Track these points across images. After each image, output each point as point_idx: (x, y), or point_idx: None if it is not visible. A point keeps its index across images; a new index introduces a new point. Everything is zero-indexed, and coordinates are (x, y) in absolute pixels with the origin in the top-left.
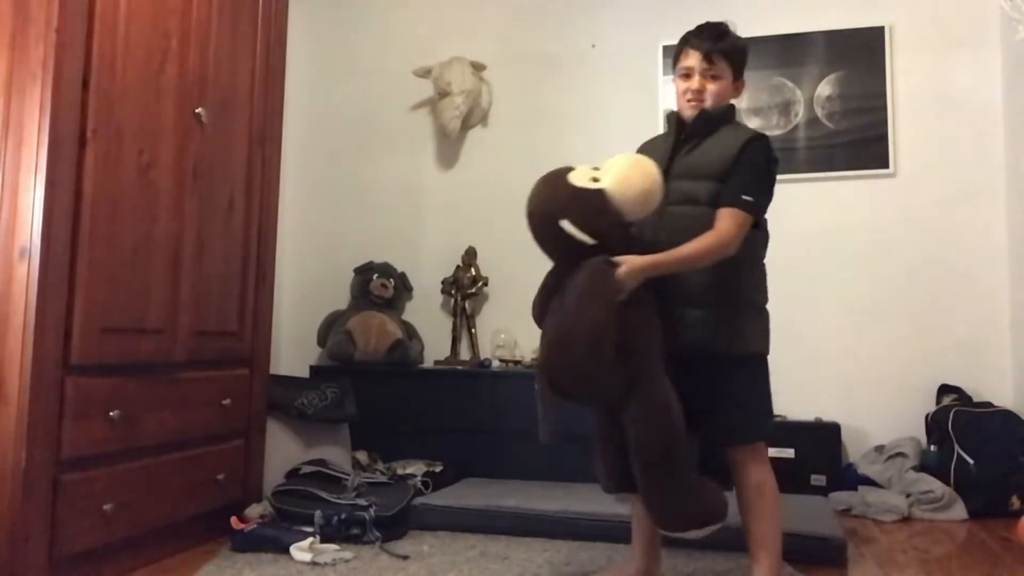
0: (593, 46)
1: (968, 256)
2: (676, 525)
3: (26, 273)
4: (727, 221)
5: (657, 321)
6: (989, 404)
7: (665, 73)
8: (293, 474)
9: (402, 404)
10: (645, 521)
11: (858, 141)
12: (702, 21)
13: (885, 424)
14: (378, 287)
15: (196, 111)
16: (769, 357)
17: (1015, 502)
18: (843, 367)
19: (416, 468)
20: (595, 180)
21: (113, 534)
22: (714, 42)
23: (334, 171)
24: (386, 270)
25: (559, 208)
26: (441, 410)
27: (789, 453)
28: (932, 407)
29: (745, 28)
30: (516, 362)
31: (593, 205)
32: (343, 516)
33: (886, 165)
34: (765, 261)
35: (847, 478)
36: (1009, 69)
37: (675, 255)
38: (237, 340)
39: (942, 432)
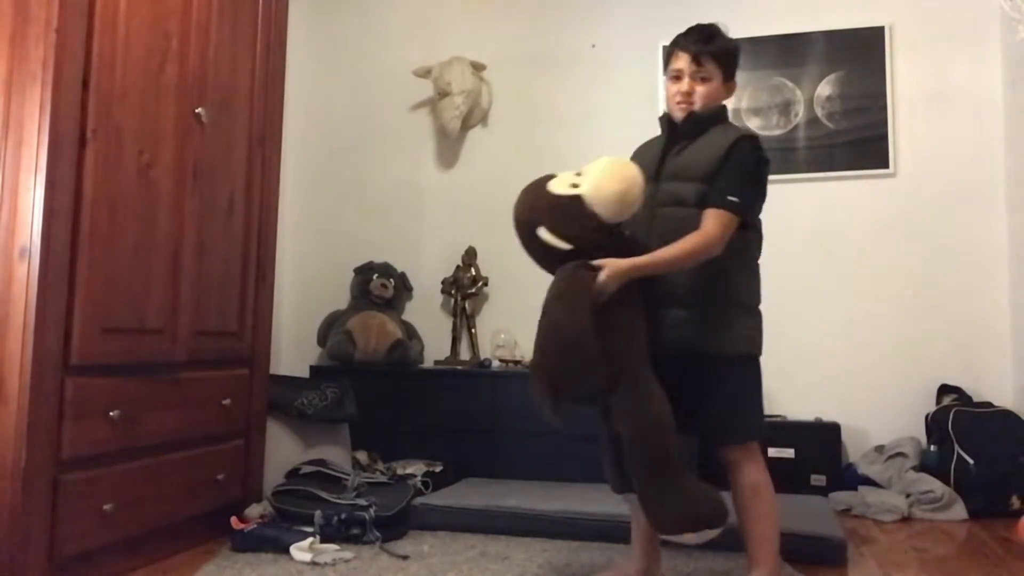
0: (593, 46)
1: (968, 256)
2: (669, 527)
3: (26, 273)
4: (712, 222)
5: (642, 322)
6: (989, 404)
7: (665, 74)
8: (293, 474)
9: (402, 404)
10: (645, 521)
11: (858, 141)
12: (702, 21)
13: (885, 424)
14: (378, 287)
15: (196, 111)
16: (770, 357)
17: (1015, 502)
18: (843, 367)
19: (416, 468)
20: (575, 186)
21: (113, 534)
22: (703, 44)
23: (334, 171)
24: (386, 270)
25: (536, 216)
26: (441, 410)
27: (789, 453)
28: (932, 407)
29: (745, 28)
30: (516, 362)
31: (569, 211)
32: (343, 516)
33: (886, 165)
34: (762, 261)
35: (847, 478)
36: (1009, 69)
37: (658, 257)
38: (237, 340)
39: (942, 432)
